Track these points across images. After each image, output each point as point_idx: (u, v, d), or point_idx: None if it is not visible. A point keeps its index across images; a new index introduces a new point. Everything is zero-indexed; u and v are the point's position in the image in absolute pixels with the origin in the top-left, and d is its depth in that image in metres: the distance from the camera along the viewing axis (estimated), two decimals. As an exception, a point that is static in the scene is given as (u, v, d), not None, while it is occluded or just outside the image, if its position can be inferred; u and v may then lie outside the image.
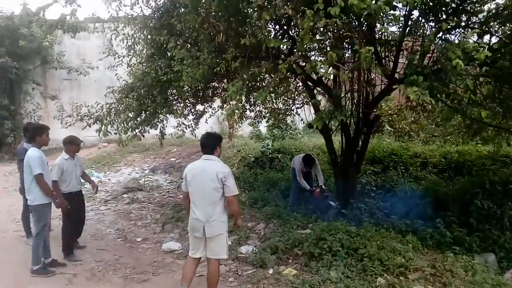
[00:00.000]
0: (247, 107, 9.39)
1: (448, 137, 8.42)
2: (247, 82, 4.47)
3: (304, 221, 6.16)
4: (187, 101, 7.92)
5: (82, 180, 5.69)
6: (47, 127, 5.02)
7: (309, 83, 6.28)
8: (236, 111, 4.19)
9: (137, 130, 6.45)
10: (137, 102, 5.97)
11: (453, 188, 6.87)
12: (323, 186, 7.24)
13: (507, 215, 5.78)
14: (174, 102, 7.68)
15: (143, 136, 6.74)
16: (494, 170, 6.96)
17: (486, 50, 3.26)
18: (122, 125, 6.12)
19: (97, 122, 6.57)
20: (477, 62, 3.59)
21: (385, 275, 4.18)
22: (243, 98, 5.15)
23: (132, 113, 6.10)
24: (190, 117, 8.66)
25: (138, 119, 6.36)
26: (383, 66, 5.20)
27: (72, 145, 5.42)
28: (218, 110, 9.37)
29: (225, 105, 9.49)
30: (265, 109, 9.10)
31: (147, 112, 6.33)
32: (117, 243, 6.02)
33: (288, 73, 4.15)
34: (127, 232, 6.49)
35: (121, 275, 4.80)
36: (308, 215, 6.72)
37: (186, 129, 8.65)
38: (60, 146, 6.01)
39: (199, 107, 8.79)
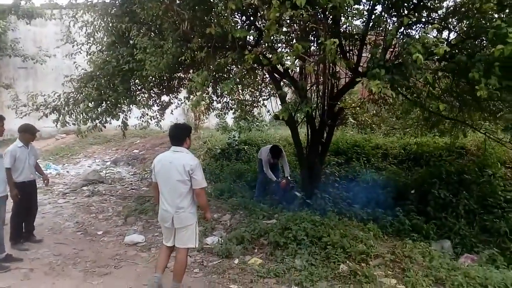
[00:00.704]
0: (213, 98, 9.33)
1: (408, 130, 8.76)
2: (213, 72, 4.40)
3: (270, 212, 6.21)
4: (151, 91, 7.73)
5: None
6: (2, 116, 4.76)
7: (275, 75, 6.29)
8: (202, 102, 4.11)
9: (97, 121, 6.22)
10: (97, 91, 5.74)
11: (412, 178, 7.16)
12: (289, 177, 7.32)
13: (462, 204, 6.10)
14: (137, 92, 7.47)
15: (104, 127, 6.50)
16: (451, 161, 7.32)
17: (444, 45, 3.38)
18: (81, 116, 5.88)
19: (55, 112, 6.27)
20: (436, 56, 3.73)
21: (347, 262, 4.30)
22: (210, 89, 5.09)
23: (92, 103, 5.86)
24: (155, 108, 8.48)
25: (99, 109, 6.13)
26: (347, 59, 5.29)
27: (27, 133, 5.19)
28: (184, 101, 9.24)
29: (191, 96, 9.40)
30: (231, 100, 9.05)
31: (108, 102, 6.11)
32: (76, 237, 5.82)
33: (255, 64, 4.12)
34: (87, 225, 6.28)
35: (81, 269, 4.64)
36: (274, 205, 6.80)
37: (151, 120, 8.44)
38: (14, 137, 5.69)
39: (164, 98, 8.61)
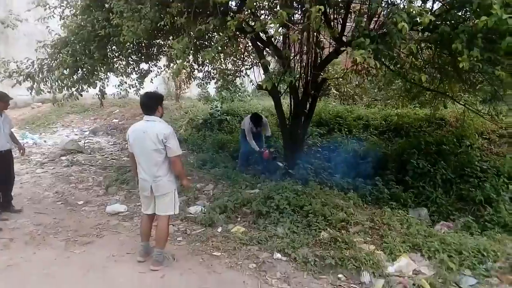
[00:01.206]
0: (195, 67, 9.12)
1: (389, 101, 8.83)
2: (194, 39, 4.25)
3: (253, 182, 6.26)
4: (129, 58, 7.46)
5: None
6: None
7: (258, 43, 6.16)
8: (183, 70, 4.00)
9: (73, 89, 5.99)
10: (72, 58, 5.48)
11: (392, 149, 7.29)
12: (270, 137, 7.33)
13: (439, 173, 6.27)
14: (115, 60, 7.21)
15: (81, 95, 6.27)
16: (430, 132, 7.47)
17: (429, 15, 3.34)
18: (56, 83, 5.64)
19: (29, 79, 5.99)
20: (420, 27, 3.69)
21: (328, 229, 4.39)
22: (190, 57, 4.94)
23: (67, 70, 5.61)
24: (134, 76, 8.25)
25: (74, 76, 5.89)
26: (331, 28, 5.20)
27: (1, 102, 4.97)
28: (164, 69, 9.00)
29: (171, 64, 9.15)
30: (213, 69, 8.88)
31: (84, 70, 5.89)
32: (56, 207, 5.73)
33: (237, 32, 4.00)
34: (67, 195, 6.19)
35: (63, 238, 4.59)
36: (256, 176, 6.86)
37: (130, 88, 8.22)
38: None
39: (144, 66, 8.36)
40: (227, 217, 5.05)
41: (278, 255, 4.07)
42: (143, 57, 7.79)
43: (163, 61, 8.93)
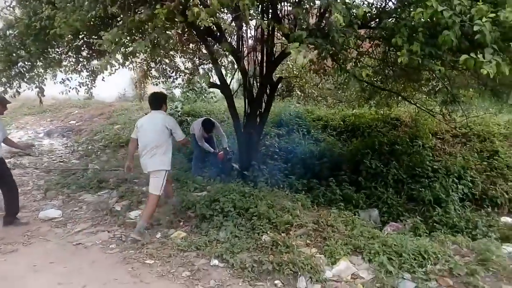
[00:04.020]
0: (151, 65, 8.79)
1: (352, 102, 8.77)
2: (128, 31, 3.96)
3: (203, 184, 5.99)
4: (79, 55, 7.06)
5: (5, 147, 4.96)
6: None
7: (209, 38, 5.90)
8: (114, 62, 3.72)
9: (7, 86, 5.56)
10: (5, 52, 5.08)
11: (347, 149, 7.21)
12: (227, 148, 7.10)
13: (391, 174, 6.21)
14: (63, 56, 6.80)
15: (18, 93, 5.83)
16: (384, 132, 7.43)
17: (365, 7, 3.21)
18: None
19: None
20: (359, 20, 3.56)
21: (270, 232, 4.19)
22: (130, 49, 4.63)
23: (0, 64, 5.20)
24: (84, 73, 7.82)
25: (10, 72, 5.47)
26: (279, 23, 5.02)
27: None
28: (118, 67, 8.62)
29: (126, 62, 8.78)
30: (169, 68, 8.57)
31: (20, 65, 5.47)
32: (-14, 213, 5.29)
33: (168, 22, 3.72)
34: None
35: (-15, 247, 4.21)
36: (211, 178, 6.60)
37: (80, 87, 7.80)
38: None
39: (95, 63, 7.93)
40: (169, 221, 4.77)
41: (215, 262, 3.84)
42: (93, 53, 7.38)
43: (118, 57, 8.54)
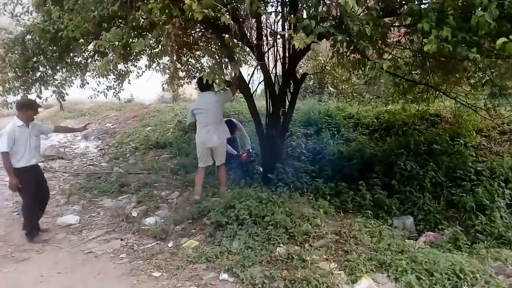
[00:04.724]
0: (178, 66, 8.67)
1: (387, 98, 8.14)
2: (131, 29, 3.78)
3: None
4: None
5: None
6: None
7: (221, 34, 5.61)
8: (113, 63, 3.54)
9: (25, 92, 5.60)
10: (22, 57, 5.10)
11: (380, 149, 6.66)
12: (250, 150, 6.82)
13: (428, 176, 5.61)
14: (89, 60, 6.84)
15: (40, 98, 5.86)
16: (422, 130, 6.80)
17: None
18: (6, 85, 5.25)
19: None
20: (380, 4, 3.12)
21: (287, 244, 3.85)
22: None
23: (18, 69, 5.23)
24: (112, 77, 7.84)
25: (28, 77, 5.50)
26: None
27: (29, 110, 4.52)
28: (145, 69, 8.60)
29: (153, 64, 8.73)
30: (193, 68, 8.44)
31: (39, 70, 5.49)
32: (10, 218, 5.39)
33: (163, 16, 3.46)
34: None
35: (0, 254, 4.20)
36: (234, 181, 6.36)
37: (108, 91, 7.85)
38: None
39: (121, 66, 7.93)
40: (183, 229, 4.57)
41: (225, 276, 3.56)
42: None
43: (144, 61, 8.53)
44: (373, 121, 7.79)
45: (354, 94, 10.93)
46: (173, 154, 8.76)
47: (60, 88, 5.93)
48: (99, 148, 10.62)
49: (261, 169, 6.55)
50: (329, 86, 11.93)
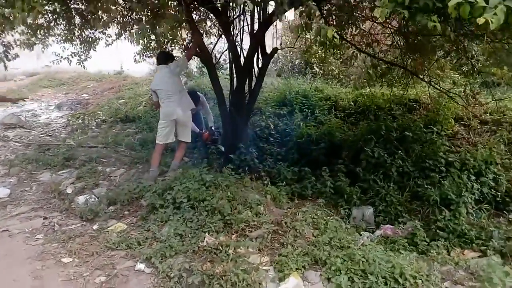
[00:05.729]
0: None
1: (363, 81, 7.64)
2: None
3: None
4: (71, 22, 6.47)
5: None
6: None
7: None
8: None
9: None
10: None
11: (351, 134, 6.20)
12: (213, 128, 6.36)
13: (396, 165, 5.17)
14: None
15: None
16: (397, 116, 6.33)
17: None
18: None
19: None
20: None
21: (214, 232, 3.43)
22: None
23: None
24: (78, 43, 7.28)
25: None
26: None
27: None
28: (116, 38, 8.02)
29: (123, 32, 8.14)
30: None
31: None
32: None
33: None
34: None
35: None
36: (194, 160, 5.94)
37: (72, 57, 7.29)
38: None
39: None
40: (116, 210, 4.15)
41: (141, 266, 3.15)
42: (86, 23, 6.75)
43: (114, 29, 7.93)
44: (350, 104, 7.30)
45: (340, 76, 10.43)
46: (140, 129, 8.29)
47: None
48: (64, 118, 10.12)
49: (223, 148, 6.10)
50: (314, 67, 11.37)
